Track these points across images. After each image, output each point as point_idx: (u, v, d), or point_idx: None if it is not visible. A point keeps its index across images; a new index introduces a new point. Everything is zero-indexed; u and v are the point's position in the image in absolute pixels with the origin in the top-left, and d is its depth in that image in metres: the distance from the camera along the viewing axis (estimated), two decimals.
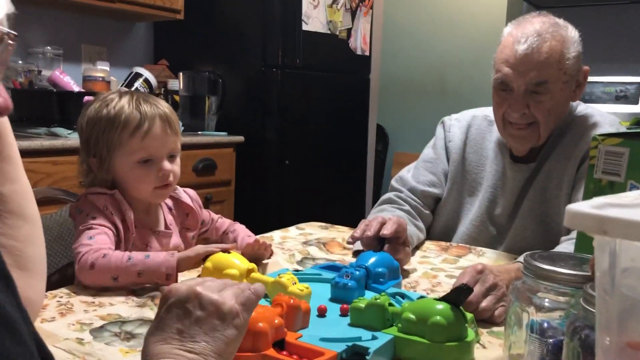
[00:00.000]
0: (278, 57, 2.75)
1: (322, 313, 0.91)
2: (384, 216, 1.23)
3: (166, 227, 1.29)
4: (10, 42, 0.57)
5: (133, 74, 2.77)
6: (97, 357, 0.78)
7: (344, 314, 0.90)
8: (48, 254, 0.79)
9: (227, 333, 0.60)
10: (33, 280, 0.72)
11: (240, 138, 2.79)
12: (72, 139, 2.15)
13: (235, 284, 0.66)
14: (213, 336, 0.59)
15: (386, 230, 1.16)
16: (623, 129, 1.43)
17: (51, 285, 0.99)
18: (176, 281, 1.06)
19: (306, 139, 2.94)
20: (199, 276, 1.07)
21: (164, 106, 1.23)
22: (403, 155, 4.06)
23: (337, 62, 3.06)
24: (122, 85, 2.74)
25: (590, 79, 1.51)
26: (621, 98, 3.23)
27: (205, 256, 1.07)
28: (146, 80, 2.75)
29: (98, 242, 1.09)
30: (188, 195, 1.35)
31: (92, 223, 1.13)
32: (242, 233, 1.34)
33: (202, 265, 1.07)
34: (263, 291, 0.67)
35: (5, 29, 0.56)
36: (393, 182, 1.58)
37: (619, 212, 0.39)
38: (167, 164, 1.21)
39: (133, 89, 2.73)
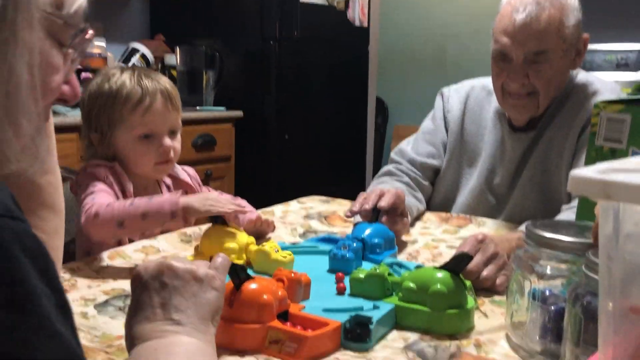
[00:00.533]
0: (275, 30, 2.72)
1: (341, 291, 0.90)
2: (382, 188, 1.23)
3: None
4: (88, 33, 0.57)
5: (130, 49, 2.74)
6: (101, 331, 0.79)
7: (339, 289, 0.90)
8: None
9: (209, 296, 0.60)
10: None
11: (239, 113, 2.77)
12: (70, 116, 2.14)
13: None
14: (195, 302, 0.59)
15: (383, 202, 1.16)
16: (624, 96, 1.42)
17: None
18: (185, 221, 1.04)
19: (305, 113, 2.93)
20: (196, 248, 1.07)
21: (165, 82, 1.23)
22: (403, 128, 4.04)
23: (335, 34, 3.03)
24: (119, 61, 2.72)
25: (591, 47, 1.49)
26: (622, 66, 3.20)
27: (211, 218, 1.06)
28: (143, 56, 2.72)
29: (101, 198, 1.09)
30: (187, 173, 1.35)
31: (93, 189, 1.12)
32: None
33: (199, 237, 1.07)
34: (228, 260, 0.67)
35: (84, 22, 0.56)
36: (392, 155, 1.57)
37: (623, 177, 0.39)
38: (167, 140, 1.21)
39: (130, 64, 2.71)
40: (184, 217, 1.04)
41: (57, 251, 0.72)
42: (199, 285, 0.60)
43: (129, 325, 0.59)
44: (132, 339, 0.58)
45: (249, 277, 0.75)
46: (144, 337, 0.56)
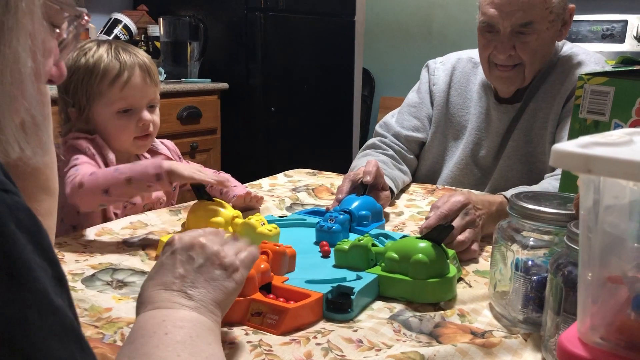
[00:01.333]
0: (260, 0, 2.69)
1: (326, 255, 0.93)
2: (361, 166, 1.23)
3: None
4: (83, 20, 0.56)
5: (112, 20, 2.69)
6: (90, 303, 0.79)
7: (324, 252, 0.93)
8: None
9: (227, 284, 0.61)
10: None
11: (225, 85, 2.74)
12: (50, 88, 2.11)
13: (235, 241, 0.67)
14: (213, 285, 0.60)
15: (369, 177, 1.16)
16: (608, 68, 1.43)
17: None
18: (170, 184, 1.03)
19: (291, 85, 2.91)
20: (183, 225, 1.07)
21: (143, 56, 1.22)
22: (390, 99, 4.03)
23: (321, 3, 2.99)
24: (101, 33, 2.67)
25: (576, 17, 1.49)
26: (607, 37, 3.20)
27: (194, 186, 1.05)
28: (126, 27, 2.68)
29: (84, 168, 1.08)
30: (166, 147, 1.34)
31: (75, 162, 1.11)
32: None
33: (186, 211, 1.07)
34: (257, 255, 0.68)
35: (79, 9, 0.55)
36: (377, 128, 1.57)
37: (603, 151, 0.39)
38: (146, 114, 1.20)
39: (112, 36, 2.66)
40: (168, 180, 1.02)
41: (50, 232, 0.72)
42: (222, 271, 0.62)
43: (146, 286, 0.60)
44: (143, 301, 0.59)
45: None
46: (155, 304, 0.57)
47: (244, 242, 0.68)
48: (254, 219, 0.97)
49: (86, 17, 0.57)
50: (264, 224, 0.97)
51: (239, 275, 0.63)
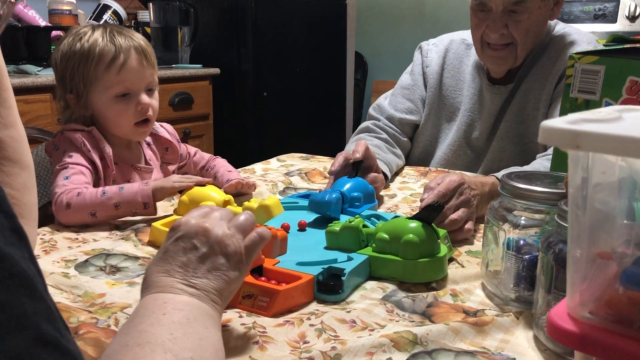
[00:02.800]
0: None
1: (302, 228, 0.94)
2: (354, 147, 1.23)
3: (146, 162, 1.28)
4: (11, 0, 0.55)
5: (101, 5, 2.67)
6: (83, 290, 0.79)
7: (300, 226, 0.95)
8: None
9: (230, 274, 0.61)
10: (28, 228, 0.71)
11: (216, 70, 2.73)
12: (42, 76, 2.09)
13: (242, 217, 0.65)
14: (215, 274, 0.60)
15: (358, 154, 1.16)
16: (600, 47, 1.43)
17: None
18: (154, 210, 1.07)
19: (283, 69, 2.89)
20: (174, 210, 1.07)
21: (139, 38, 1.20)
22: (382, 83, 4.02)
23: None
24: (90, 19, 2.65)
25: None
26: (599, 17, 3.20)
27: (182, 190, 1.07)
28: (115, 12, 2.65)
29: (74, 181, 1.08)
30: (165, 130, 1.34)
31: (68, 162, 1.11)
32: (222, 169, 1.34)
33: (178, 198, 1.07)
34: (269, 236, 0.66)
35: None
36: (370, 111, 1.57)
37: (592, 127, 0.39)
38: (145, 97, 1.19)
39: (102, 22, 2.63)
40: (154, 207, 1.06)
41: (29, 207, 0.71)
42: (225, 260, 0.61)
43: (151, 271, 0.60)
44: (148, 285, 0.59)
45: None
46: (158, 288, 0.58)
47: (250, 221, 0.66)
48: (247, 205, 0.97)
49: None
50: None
51: (243, 265, 0.63)
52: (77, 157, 1.13)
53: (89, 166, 1.14)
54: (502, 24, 1.30)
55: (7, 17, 0.58)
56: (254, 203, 0.99)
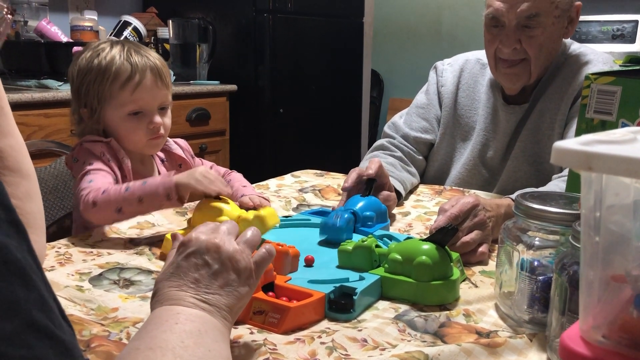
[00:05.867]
0: (269, 2, 2.69)
1: (309, 264, 0.91)
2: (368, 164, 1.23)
3: None
4: (9, 15, 0.57)
5: (121, 22, 2.71)
6: (97, 304, 0.80)
7: (307, 262, 0.90)
8: (44, 206, 0.79)
9: (240, 290, 0.62)
10: (34, 236, 0.72)
11: (233, 87, 2.75)
12: (62, 90, 2.13)
13: (250, 232, 0.66)
14: (227, 290, 0.61)
15: (370, 171, 1.17)
16: (616, 67, 1.42)
17: (48, 237, 1.00)
18: (181, 202, 1.04)
19: (300, 87, 2.91)
20: (188, 221, 1.07)
21: (155, 57, 1.22)
22: (398, 101, 4.03)
23: (329, 5, 2.99)
24: (110, 35, 2.69)
25: (586, 17, 1.49)
26: (618, 37, 3.18)
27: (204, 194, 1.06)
28: (135, 29, 2.69)
29: (97, 181, 1.09)
30: (179, 146, 1.35)
31: (89, 169, 1.12)
32: (237, 183, 1.34)
33: (191, 214, 1.07)
34: (274, 252, 0.67)
35: (4, 3, 0.56)
36: (386, 129, 1.57)
37: (604, 148, 0.39)
38: (157, 117, 1.21)
39: (122, 38, 2.68)
40: (178, 196, 1.04)
41: (33, 216, 0.72)
42: (236, 276, 0.62)
43: (162, 284, 0.61)
44: (160, 298, 0.59)
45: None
46: (171, 301, 0.58)
47: (257, 237, 0.67)
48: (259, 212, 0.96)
49: (10, 16, 0.58)
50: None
51: (252, 280, 0.63)
52: (98, 164, 1.14)
53: (111, 172, 1.15)
54: (515, 38, 1.30)
55: (4, 33, 0.59)
56: (249, 214, 0.99)
